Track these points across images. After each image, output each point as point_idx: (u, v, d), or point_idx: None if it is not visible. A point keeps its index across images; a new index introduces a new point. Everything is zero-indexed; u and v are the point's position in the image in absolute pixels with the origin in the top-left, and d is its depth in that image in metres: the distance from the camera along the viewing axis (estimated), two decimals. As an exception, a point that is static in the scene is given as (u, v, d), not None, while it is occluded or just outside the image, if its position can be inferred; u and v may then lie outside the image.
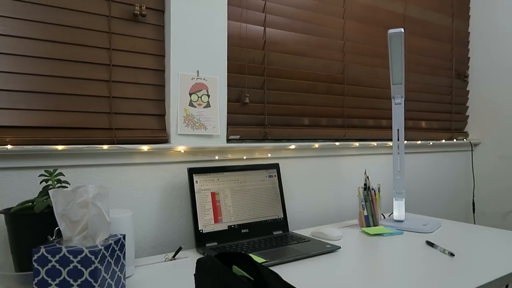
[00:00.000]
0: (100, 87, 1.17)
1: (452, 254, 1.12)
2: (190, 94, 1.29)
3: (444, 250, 1.15)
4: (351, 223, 1.56)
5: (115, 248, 0.81)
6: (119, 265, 0.83)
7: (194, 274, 0.76)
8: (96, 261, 0.73)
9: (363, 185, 1.50)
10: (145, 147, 1.19)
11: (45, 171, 0.95)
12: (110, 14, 1.18)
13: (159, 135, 1.26)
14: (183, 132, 1.27)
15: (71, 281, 0.72)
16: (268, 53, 1.52)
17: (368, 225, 1.46)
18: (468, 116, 2.36)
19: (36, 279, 0.73)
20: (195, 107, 1.30)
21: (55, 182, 0.95)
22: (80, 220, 0.78)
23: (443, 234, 1.38)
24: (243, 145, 1.41)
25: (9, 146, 1.00)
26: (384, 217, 1.64)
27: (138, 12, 1.21)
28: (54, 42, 1.10)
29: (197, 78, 1.30)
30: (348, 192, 1.72)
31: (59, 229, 0.78)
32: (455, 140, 2.23)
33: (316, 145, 1.60)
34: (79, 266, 0.72)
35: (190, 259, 1.11)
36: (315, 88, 1.67)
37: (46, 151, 1.05)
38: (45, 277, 0.73)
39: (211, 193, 1.25)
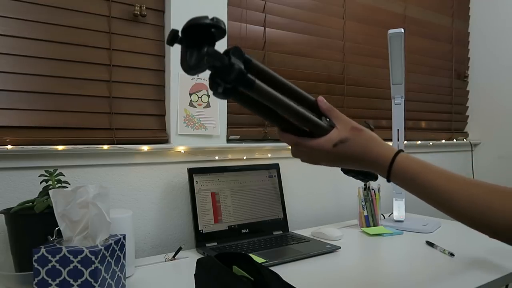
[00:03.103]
0: (100, 87, 1.17)
1: (452, 254, 1.12)
2: (190, 94, 1.29)
3: (444, 250, 1.15)
4: (351, 223, 1.56)
5: (115, 248, 0.81)
6: (119, 265, 0.83)
7: (194, 274, 0.76)
8: (96, 261, 0.73)
9: (363, 185, 1.50)
10: (145, 147, 1.19)
11: (45, 171, 0.95)
12: (110, 14, 1.18)
13: (159, 135, 1.26)
14: (183, 132, 1.27)
15: (71, 281, 0.72)
16: (268, 53, 1.52)
17: (368, 225, 1.46)
18: (468, 116, 2.36)
19: (36, 279, 0.73)
20: (195, 107, 1.30)
21: (55, 182, 0.95)
22: (80, 220, 0.78)
23: (443, 234, 1.38)
24: (243, 145, 1.40)
25: (9, 146, 1.00)
26: (384, 217, 1.64)
27: (138, 13, 1.21)
28: (54, 42, 1.10)
29: (197, 78, 1.30)
30: (348, 192, 1.72)
31: (59, 229, 0.78)
32: (455, 140, 2.23)
33: (316, 145, 1.59)
34: (79, 266, 0.72)
35: (190, 259, 1.11)
36: (315, 89, 1.67)
37: (46, 151, 1.05)
38: (45, 277, 0.73)
39: (211, 193, 1.25)
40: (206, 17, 0.49)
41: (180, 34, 0.51)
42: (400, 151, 0.64)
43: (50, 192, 0.78)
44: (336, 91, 1.74)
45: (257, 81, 0.56)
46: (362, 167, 0.67)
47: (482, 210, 0.56)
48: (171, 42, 0.51)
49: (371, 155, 0.64)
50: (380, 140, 0.66)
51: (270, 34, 1.53)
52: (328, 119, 0.68)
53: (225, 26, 0.51)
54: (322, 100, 0.68)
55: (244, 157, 1.42)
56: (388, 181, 0.65)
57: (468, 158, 2.31)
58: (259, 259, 1.05)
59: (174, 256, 1.12)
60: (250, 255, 0.77)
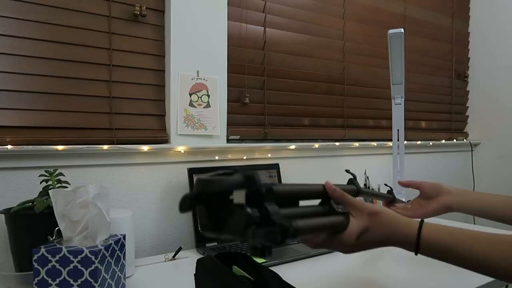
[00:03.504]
0: (100, 87, 1.17)
1: (452, 254, 1.11)
2: (190, 94, 1.29)
3: (444, 250, 1.15)
4: (351, 223, 1.56)
5: (115, 248, 0.81)
6: (119, 265, 0.83)
7: (194, 274, 0.76)
8: (96, 261, 0.73)
9: (363, 185, 1.50)
10: (145, 147, 1.19)
11: (45, 171, 0.95)
12: (110, 14, 1.18)
13: (159, 135, 1.26)
14: (183, 132, 1.27)
15: (71, 281, 0.72)
16: (268, 53, 1.52)
17: (368, 225, 1.45)
18: (468, 116, 2.36)
19: (36, 279, 0.73)
20: (195, 107, 1.30)
21: (55, 182, 0.95)
22: (80, 220, 0.78)
23: (443, 234, 1.38)
24: (243, 145, 1.40)
25: (9, 146, 1.00)
26: (384, 217, 1.64)
27: (138, 12, 1.21)
28: (54, 42, 1.10)
29: (197, 78, 1.30)
30: (348, 192, 1.72)
31: (59, 229, 0.78)
32: (455, 140, 2.23)
33: (316, 145, 1.60)
34: (79, 266, 0.72)
35: (190, 259, 1.11)
36: (315, 88, 1.67)
37: (46, 151, 1.05)
38: (45, 277, 0.73)
39: (211, 193, 1.25)
40: (235, 179, 0.43)
41: (199, 196, 0.43)
42: (421, 224, 0.63)
43: (50, 192, 0.78)
44: (336, 91, 1.74)
45: (301, 226, 0.53)
46: (391, 245, 0.67)
47: None
48: (190, 208, 0.44)
49: (394, 237, 0.64)
50: (399, 218, 0.65)
51: (270, 34, 1.53)
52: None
53: (259, 183, 0.45)
54: (330, 188, 0.65)
55: (244, 157, 1.42)
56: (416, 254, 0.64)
57: (468, 158, 2.31)
58: (259, 259, 1.05)
59: (174, 256, 1.12)
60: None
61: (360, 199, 0.71)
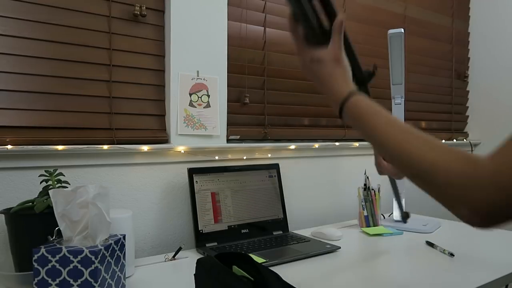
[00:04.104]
0: (100, 87, 1.17)
1: (452, 254, 1.12)
2: (190, 94, 1.29)
3: (444, 250, 1.15)
4: (351, 223, 1.56)
5: (115, 248, 0.81)
6: (119, 265, 0.83)
7: (194, 274, 0.76)
8: (96, 261, 0.73)
9: (363, 185, 1.50)
10: (145, 147, 1.19)
11: (45, 171, 0.95)
12: (110, 14, 1.18)
13: (159, 135, 1.26)
14: (183, 132, 1.27)
15: (71, 281, 0.73)
16: (268, 53, 1.52)
17: (368, 225, 1.46)
18: (468, 116, 2.36)
19: (36, 279, 0.73)
20: (195, 107, 1.30)
21: (55, 182, 0.95)
22: (80, 220, 0.78)
23: (443, 234, 1.38)
24: (243, 145, 1.40)
25: (9, 146, 1.00)
26: (384, 217, 1.64)
27: (138, 13, 1.21)
28: (54, 42, 1.10)
29: (197, 78, 1.30)
30: (348, 192, 1.72)
31: (59, 229, 0.78)
32: (455, 140, 2.23)
33: (316, 145, 1.60)
34: (79, 266, 0.73)
35: (190, 259, 1.11)
36: (315, 88, 1.67)
37: (46, 151, 1.05)
38: (45, 277, 0.73)
39: (211, 193, 1.25)
40: None
41: None
42: (357, 91, 0.67)
43: (50, 192, 0.78)
44: (336, 91, 1.74)
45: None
46: (323, 92, 0.71)
47: (407, 154, 0.57)
48: None
49: (331, 86, 0.69)
50: (348, 78, 0.70)
51: (270, 34, 1.53)
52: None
53: None
54: (340, 21, 0.68)
55: (244, 157, 1.42)
56: (340, 117, 0.67)
57: (468, 158, 2.30)
58: (259, 259, 1.05)
59: (174, 256, 1.12)
60: (250, 255, 0.77)
61: None
